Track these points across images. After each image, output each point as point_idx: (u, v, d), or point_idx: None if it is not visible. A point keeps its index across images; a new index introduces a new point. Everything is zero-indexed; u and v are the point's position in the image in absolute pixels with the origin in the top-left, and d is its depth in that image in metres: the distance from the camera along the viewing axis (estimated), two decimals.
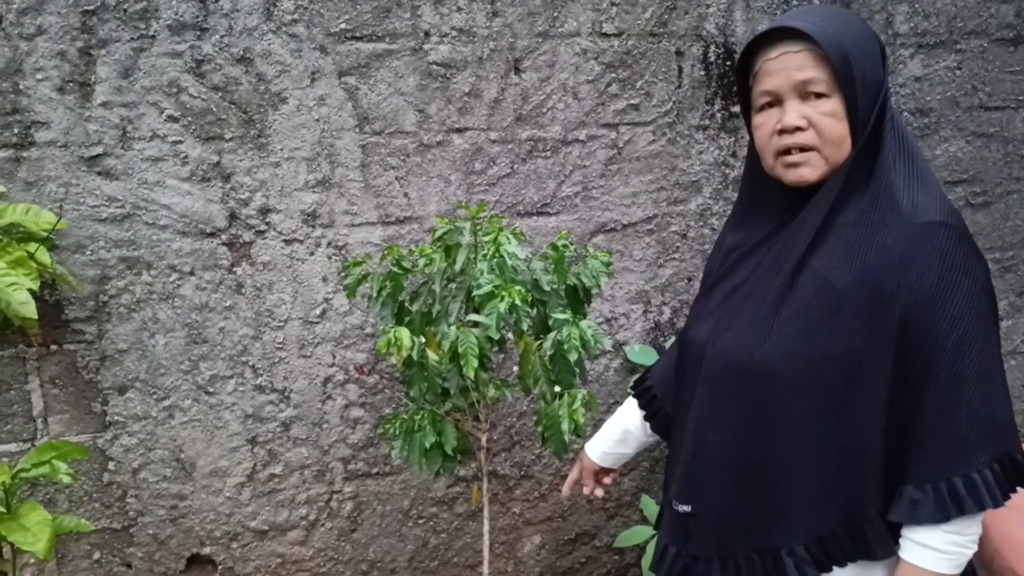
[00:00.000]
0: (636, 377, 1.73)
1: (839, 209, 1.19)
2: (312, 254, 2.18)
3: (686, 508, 1.31)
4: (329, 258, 2.20)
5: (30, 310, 1.64)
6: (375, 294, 1.86)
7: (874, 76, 1.17)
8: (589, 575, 2.61)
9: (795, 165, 1.20)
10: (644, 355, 2.43)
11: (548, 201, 2.33)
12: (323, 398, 2.25)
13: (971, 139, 2.59)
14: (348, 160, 2.16)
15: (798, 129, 1.18)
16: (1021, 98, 2.60)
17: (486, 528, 2.05)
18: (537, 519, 2.52)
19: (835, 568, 1.23)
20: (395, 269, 1.87)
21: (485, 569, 2.08)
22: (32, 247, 1.75)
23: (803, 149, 1.19)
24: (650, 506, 2.39)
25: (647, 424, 1.62)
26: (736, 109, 2.44)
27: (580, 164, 2.34)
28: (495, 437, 2.39)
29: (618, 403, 2.51)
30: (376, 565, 2.38)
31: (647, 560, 2.27)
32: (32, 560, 2.09)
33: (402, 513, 2.38)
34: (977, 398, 1.13)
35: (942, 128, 2.56)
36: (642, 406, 1.63)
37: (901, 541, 1.19)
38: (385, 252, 1.86)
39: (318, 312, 2.21)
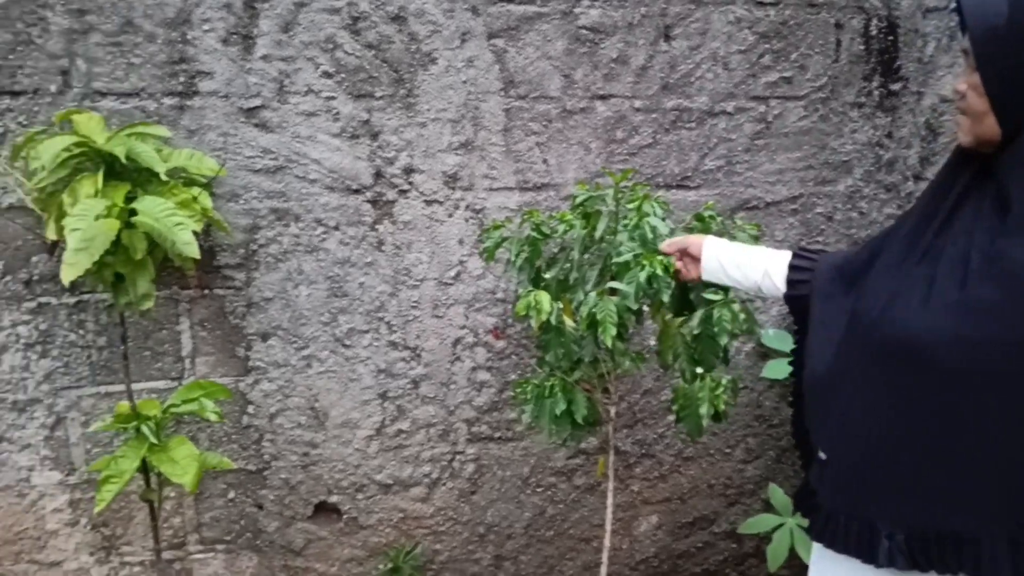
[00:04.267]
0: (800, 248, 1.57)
1: (1006, 183, 1.14)
2: (451, 216, 2.19)
3: (822, 456, 1.34)
4: (466, 221, 2.20)
5: (193, 250, 1.70)
6: (514, 258, 1.85)
7: None
8: (705, 560, 2.55)
9: (958, 124, 1.22)
10: (779, 340, 2.35)
11: (689, 174, 2.27)
12: (452, 359, 2.27)
13: None
14: (491, 124, 2.16)
15: (960, 94, 1.20)
16: None
17: (610, 500, 2.02)
18: (655, 499, 2.48)
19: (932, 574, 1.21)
20: (534, 234, 1.86)
21: (606, 541, 2.06)
22: (195, 191, 1.82)
23: (963, 113, 1.21)
24: (778, 495, 2.31)
25: (780, 285, 1.50)
26: (895, 87, 2.31)
27: (725, 137, 2.26)
28: (620, 412, 2.35)
29: (748, 388, 2.44)
30: (493, 529, 2.40)
31: (773, 550, 2.20)
32: (173, 493, 2.19)
33: (521, 480, 2.38)
34: None
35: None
36: (791, 278, 1.50)
37: None
38: (525, 216, 1.85)
39: (453, 274, 2.22)
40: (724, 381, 1.74)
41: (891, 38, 2.28)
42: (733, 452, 2.48)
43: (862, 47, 2.27)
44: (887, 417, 1.23)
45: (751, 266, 1.53)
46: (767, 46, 2.22)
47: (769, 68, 2.24)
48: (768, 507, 2.40)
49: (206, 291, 2.10)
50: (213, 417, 1.89)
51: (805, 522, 2.04)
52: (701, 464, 2.47)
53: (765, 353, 2.39)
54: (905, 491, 1.22)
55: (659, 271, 1.64)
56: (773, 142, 2.28)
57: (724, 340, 1.66)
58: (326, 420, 2.23)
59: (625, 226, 1.73)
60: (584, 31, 2.15)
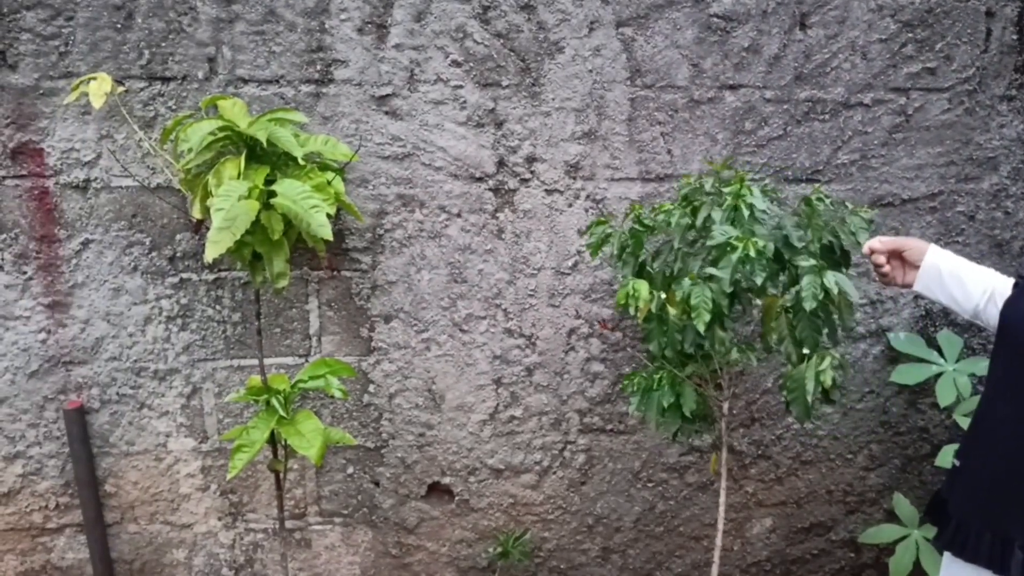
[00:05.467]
0: None
1: None
2: (571, 205, 2.19)
3: (956, 462, 1.34)
4: (586, 211, 2.20)
5: (327, 232, 1.76)
6: (617, 252, 1.84)
7: None
8: (820, 568, 2.47)
9: None
10: (911, 344, 2.24)
11: (821, 168, 2.19)
12: (566, 349, 2.27)
13: None
14: (616, 113, 2.14)
15: None
16: None
17: (722, 499, 1.98)
18: (770, 501, 2.41)
19: None
20: (636, 227, 1.84)
21: (718, 540, 2.02)
22: (329, 175, 1.88)
23: None
24: (903, 505, 2.21)
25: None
26: None
27: (861, 130, 2.17)
28: (735, 411, 2.30)
29: (874, 392, 2.34)
30: (602, 520, 2.39)
31: (896, 563, 2.11)
32: (296, 466, 2.28)
33: (632, 474, 2.36)
34: None
35: None
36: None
37: None
38: (628, 210, 1.84)
39: (570, 264, 2.22)
40: (828, 356, 1.67)
41: None
42: (855, 458, 2.39)
43: (1015, 37, 2.13)
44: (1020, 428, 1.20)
45: (975, 283, 1.40)
46: (910, 35, 2.12)
47: (911, 58, 2.13)
48: (891, 517, 2.30)
49: (335, 273, 2.17)
50: (338, 394, 1.96)
51: (932, 534, 1.96)
52: (820, 468, 2.39)
53: (894, 357, 2.29)
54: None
55: (752, 253, 1.59)
56: (913, 136, 2.18)
57: (811, 305, 1.58)
58: (442, 403, 2.27)
59: (722, 207, 1.69)
60: (715, 19, 2.10)
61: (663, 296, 1.76)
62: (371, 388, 2.25)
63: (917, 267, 1.45)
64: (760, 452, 2.37)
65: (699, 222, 1.74)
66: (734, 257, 1.61)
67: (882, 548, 2.37)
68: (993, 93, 2.16)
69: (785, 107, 2.15)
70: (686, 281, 1.68)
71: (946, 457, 2.07)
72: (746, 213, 1.66)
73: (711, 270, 1.66)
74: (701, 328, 1.65)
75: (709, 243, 1.67)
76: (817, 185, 1.84)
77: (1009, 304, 1.32)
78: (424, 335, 2.22)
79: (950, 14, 2.11)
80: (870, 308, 2.28)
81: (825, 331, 1.71)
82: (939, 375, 2.16)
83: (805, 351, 1.70)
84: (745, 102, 2.15)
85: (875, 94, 2.15)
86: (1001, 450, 1.23)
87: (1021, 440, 1.20)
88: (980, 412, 1.32)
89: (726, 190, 1.72)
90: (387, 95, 2.08)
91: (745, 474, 2.38)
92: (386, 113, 2.09)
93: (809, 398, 1.68)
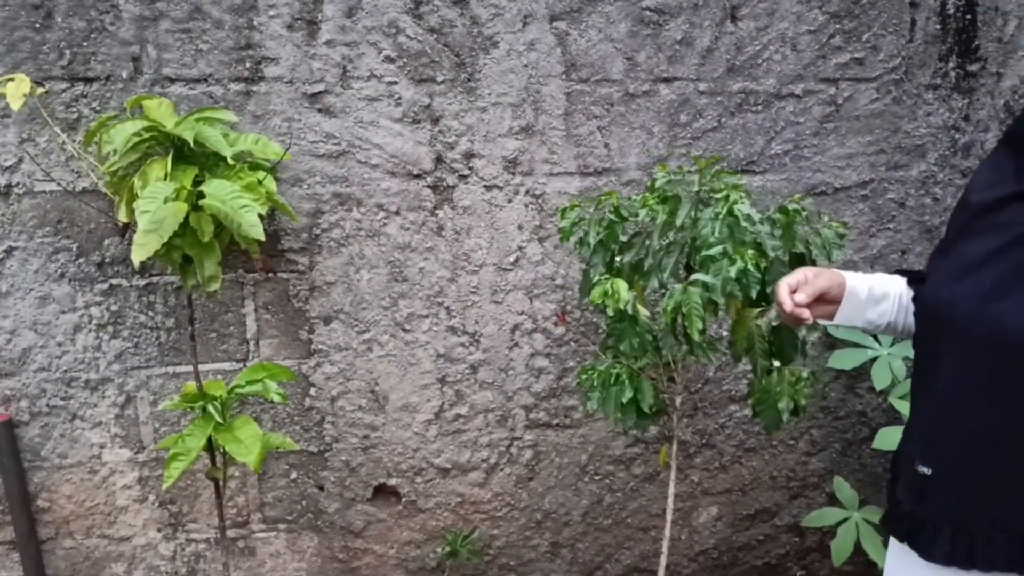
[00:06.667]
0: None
1: None
2: (510, 201, 2.18)
3: (925, 470, 1.25)
4: (526, 206, 2.19)
5: (258, 232, 1.72)
6: (590, 240, 1.82)
7: None
8: (766, 553, 2.51)
9: None
10: (846, 330, 2.28)
11: (755, 159, 2.22)
12: (511, 345, 2.26)
13: None
14: (552, 107, 2.14)
15: None
16: None
17: (671, 491, 1.99)
18: (715, 490, 2.44)
19: None
20: (612, 217, 1.81)
21: (667, 531, 2.03)
22: (260, 175, 1.84)
23: None
24: (844, 488, 2.25)
25: (911, 303, 1.37)
26: (973, 68, 2.22)
27: (793, 120, 2.20)
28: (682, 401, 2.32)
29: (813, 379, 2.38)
30: (550, 515, 2.39)
31: (838, 545, 2.15)
32: (237, 473, 2.23)
33: (579, 467, 2.37)
34: None
35: None
36: (911, 282, 1.39)
37: None
38: (603, 198, 1.82)
39: (512, 259, 2.21)
40: (804, 374, 1.69)
41: (969, 17, 2.19)
42: (797, 444, 2.43)
43: (938, 26, 2.19)
44: (995, 419, 1.16)
45: (888, 298, 1.36)
46: (838, 26, 2.15)
47: (840, 49, 2.17)
48: (833, 500, 2.34)
49: (270, 274, 2.13)
50: (277, 398, 1.92)
51: (872, 515, 1.98)
52: (763, 456, 2.42)
53: (831, 343, 2.33)
54: (1008, 492, 1.18)
55: (749, 265, 1.58)
56: (843, 125, 2.22)
57: (802, 331, 1.61)
58: (386, 404, 2.24)
59: (717, 215, 1.65)
60: (648, 12, 2.11)
61: (634, 294, 1.75)
62: (312, 391, 2.21)
63: (833, 301, 1.36)
64: (704, 441, 2.40)
65: (679, 221, 1.71)
66: (732, 270, 1.59)
67: (825, 531, 2.41)
68: (919, 82, 2.22)
69: (719, 99, 2.18)
70: (676, 287, 1.66)
71: (885, 440, 2.09)
72: (742, 221, 1.64)
73: (703, 276, 1.63)
74: (695, 336, 1.63)
75: (706, 252, 1.64)
76: (796, 196, 1.83)
77: (934, 303, 1.23)
78: (365, 336, 2.19)
79: (876, 4, 2.15)
80: None
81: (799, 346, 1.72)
82: (874, 359, 2.20)
83: (776, 364, 1.72)
84: (680, 95, 2.17)
85: (806, 85, 2.18)
86: (986, 446, 1.18)
87: (1005, 429, 1.16)
88: (938, 418, 1.23)
89: (717, 195, 1.69)
90: (320, 92, 2.04)
91: (690, 464, 2.40)
92: (319, 111, 2.05)
93: (784, 416, 1.70)
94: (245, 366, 2.17)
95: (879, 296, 1.36)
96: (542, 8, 2.07)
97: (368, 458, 2.27)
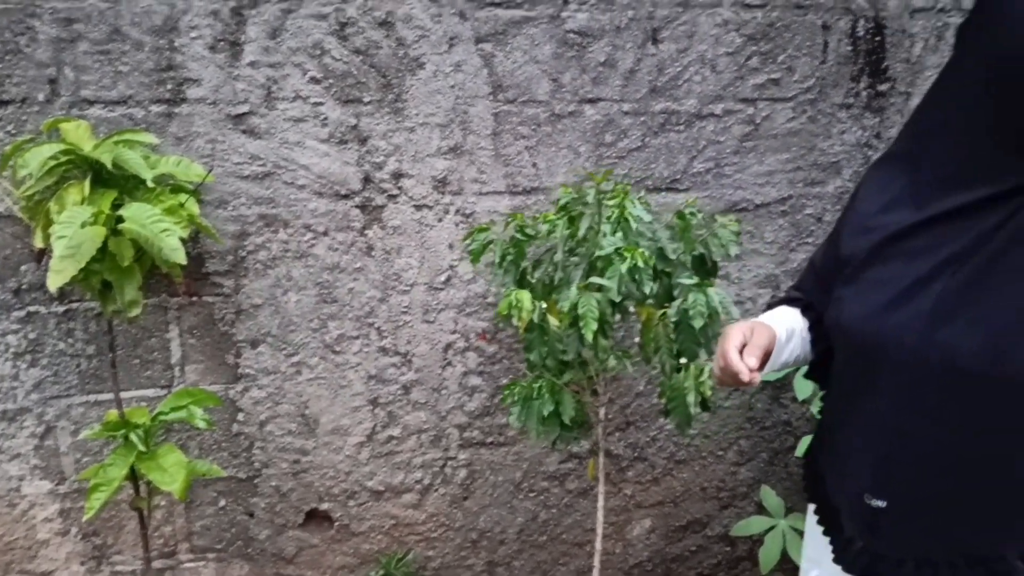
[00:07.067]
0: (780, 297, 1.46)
1: None
2: (440, 220, 2.19)
3: (879, 503, 1.21)
4: (456, 225, 2.20)
5: (180, 256, 1.70)
6: (498, 260, 1.86)
7: None
8: (699, 564, 2.55)
9: None
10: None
11: (679, 177, 2.27)
12: (443, 364, 2.27)
13: None
14: (480, 128, 2.16)
15: None
16: None
17: (601, 504, 2.02)
18: (648, 503, 2.47)
19: None
20: (518, 236, 1.86)
21: (598, 545, 2.05)
22: (182, 198, 1.82)
23: None
24: (770, 497, 2.31)
25: (808, 333, 1.36)
26: (883, 88, 2.32)
27: (714, 139, 2.26)
28: (611, 415, 2.35)
29: (740, 390, 2.44)
30: (485, 535, 2.39)
31: (765, 553, 2.20)
32: (164, 502, 2.18)
33: (514, 485, 2.37)
34: None
35: None
36: (804, 311, 1.38)
37: None
38: (509, 219, 1.86)
39: (443, 279, 2.22)
40: (707, 367, 1.73)
41: (878, 39, 2.29)
42: (726, 454, 2.48)
43: (849, 48, 2.28)
44: (948, 442, 1.14)
45: (785, 324, 1.33)
46: (754, 48, 2.23)
47: (757, 70, 2.24)
48: (761, 509, 2.40)
49: (195, 298, 2.09)
50: (202, 425, 1.89)
51: (799, 523, 2.02)
52: (694, 467, 2.47)
53: None
54: (963, 518, 1.16)
55: (640, 262, 1.64)
56: (762, 144, 2.29)
57: (699, 323, 1.64)
58: (316, 427, 2.22)
59: (609, 218, 1.73)
60: (572, 35, 2.15)
61: (544, 306, 1.78)
62: (240, 416, 2.18)
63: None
64: (636, 454, 2.43)
65: (581, 232, 1.77)
66: (623, 267, 1.64)
67: (754, 540, 2.46)
68: (833, 101, 2.30)
69: (642, 119, 2.23)
70: (573, 290, 1.70)
71: (807, 447, 2.13)
72: (634, 226, 1.69)
73: (598, 280, 1.68)
74: (589, 336, 1.67)
75: (598, 253, 1.69)
76: (691, 199, 1.90)
77: (866, 332, 1.20)
78: (294, 358, 2.17)
79: (790, 27, 2.24)
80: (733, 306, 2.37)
81: (703, 341, 1.76)
82: (796, 369, 2.27)
83: (682, 361, 1.75)
84: (604, 115, 2.21)
85: (725, 105, 2.25)
86: (941, 472, 1.16)
87: (958, 452, 1.14)
88: (886, 448, 1.20)
89: (610, 202, 1.75)
90: (244, 113, 2.02)
91: (623, 477, 2.43)
92: (244, 132, 2.03)
93: (692, 409, 1.74)
94: (170, 392, 2.13)
95: (788, 335, 1.33)
96: (467, 30, 2.09)
97: (299, 483, 2.24)
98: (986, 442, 1.12)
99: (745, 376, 1.18)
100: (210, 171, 1.91)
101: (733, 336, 1.23)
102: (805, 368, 1.51)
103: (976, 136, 1.10)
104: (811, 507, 1.41)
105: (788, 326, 1.34)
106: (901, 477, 1.19)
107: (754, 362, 1.20)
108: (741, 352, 1.22)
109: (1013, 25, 1.03)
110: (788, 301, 1.42)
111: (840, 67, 2.29)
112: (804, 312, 1.39)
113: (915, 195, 1.18)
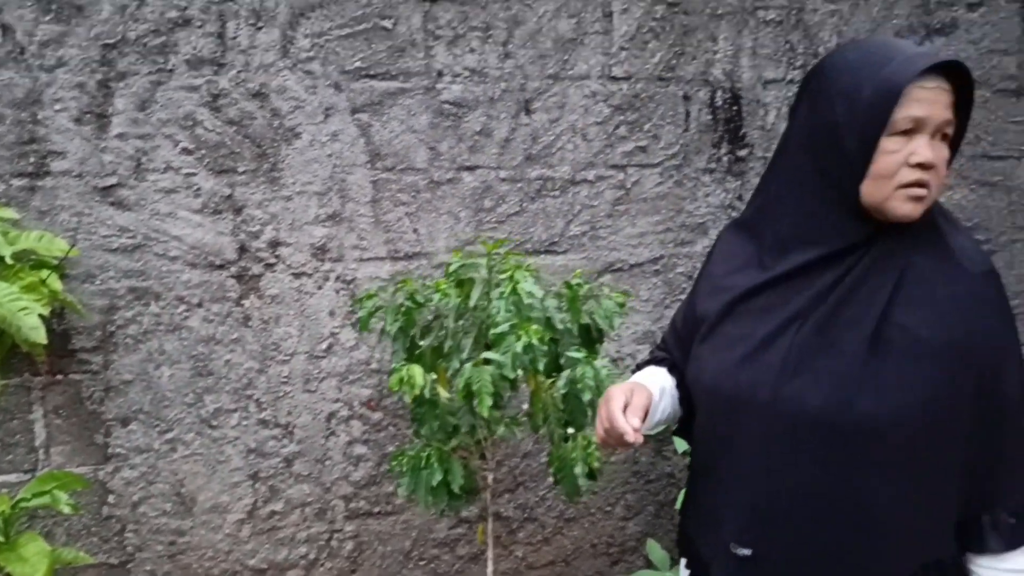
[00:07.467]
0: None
1: (909, 255, 1.18)
2: (320, 288, 2.18)
3: (745, 552, 1.24)
4: (337, 292, 2.20)
5: (40, 335, 1.63)
6: (388, 327, 1.85)
7: None
8: None
9: (919, 199, 1.15)
10: None
11: (556, 240, 2.35)
12: (326, 434, 2.23)
13: (975, 187, 2.62)
14: (359, 195, 2.18)
15: (931, 167, 1.14)
16: (1023, 148, 2.64)
17: (490, 569, 2.01)
18: (540, 563, 2.48)
19: None
20: (408, 303, 1.87)
21: None
22: (44, 274, 1.75)
23: (923, 186, 1.15)
24: (655, 551, 2.35)
25: (676, 391, 1.42)
26: (742, 153, 2.47)
27: (588, 204, 2.35)
28: (499, 477, 2.36)
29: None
30: None
31: None
32: None
33: (403, 555, 2.34)
34: None
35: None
36: (670, 370, 1.44)
37: (986, 573, 1.20)
38: (399, 285, 1.86)
39: (324, 347, 2.20)
40: (593, 438, 1.77)
41: (735, 108, 2.45)
42: (613, 510, 2.52)
43: (709, 117, 2.43)
44: (806, 490, 1.19)
45: (665, 392, 1.39)
46: (622, 118, 2.34)
47: (625, 138, 2.35)
48: (649, 563, 2.43)
49: (60, 377, 2.00)
50: (67, 510, 1.80)
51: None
52: (583, 524, 2.49)
53: None
54: (824, 563, 1.21)
55: (534, 340, 1.67)
56: (633, 207, 2.39)
57: (588, 397, 1.69)
58: (193, 506, 2.14)
59: (501, 294, 1.75)
60: (447, 105, 2.21)
61: (434, 377, 1.79)
62: (111, 499, 2.08)
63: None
64: (526, 515, 2.44)
65: (472, 302, 1.79)
66: (519, 346, 1.66)
67: None
68: (696, 167, 2.43)
69: (519, 185, 2.30)
70: (467, 366, 1.71)
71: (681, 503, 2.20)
72: (526, 300, 1.72)
73: (492, 355, 1.70)
74: (484, 412, 1.68)
75: (494, 331, 1.70)
76: (577, 271, 1.95)
77: (722, 389, 1.26)
78: (168, 435, 2.10)
79: (654, 98, 2.37)
80: (612, 365, 2.43)
81: (590, 412, 1.79)
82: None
83: (570, 431, 1.79)
84: (482, 182, 2.27)
85: (597, 171, 2.35)
86: (802, 518, 1.20)
87: (816, 497, 1.19)
88: (749, 499, 1.24)
89: (501, 275, 1.78)
90: (112, 185, 1.98)
91: (514, 539, 2.43)
92: (112, 204, 1.99)
93: (580, 481, 1.77)
94: (35, 476, 2.01)
95: (660, 394, 1.38)
96: (343, 101, 2.13)
97: (176, 565, 2.14)
98: (839, 488, 1.19)
99: (631, 436, 1.21)
100: (74, 245, 1.86)
101: (617, 398, 1.27)
102: (675, 425, 1.57)
103: (806, 203, 1.21)
104: (683, 561, 1.44)
105: (660, 385, 1.40)
106: (764, 525, 1.24)
107: (637, 422, 1.23)
108: (624, 413, 1.26)
109: (830, 98, 1.17)
110: (654, 360, 1.49)
111: (702, 134, 2.43)
112: (671, 371, 1.45)
113: (761, 258, 1.28)
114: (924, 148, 1.13)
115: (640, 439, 1.23)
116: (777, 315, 1.22)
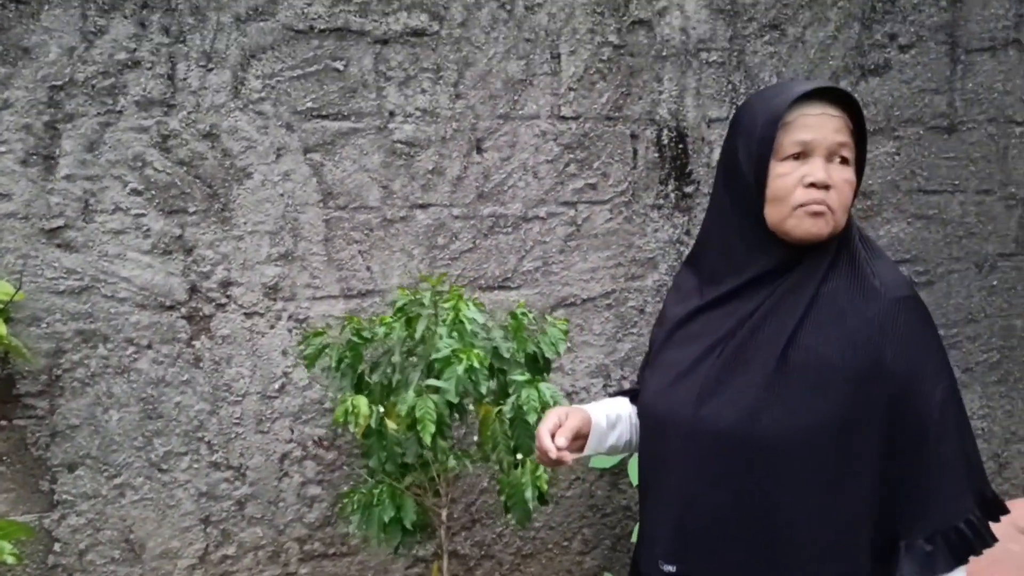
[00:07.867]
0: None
1: (823, 280, 1.24)
2: (272, 327, 2.17)
3: (670, 568, 1.28)
4: (290, 331, 2.19)
5: None
6: (334, 364, 1.86)
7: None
8: None
9: (818, 215, 1.22)
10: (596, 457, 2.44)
11: (509, 276, 2.37)
12: (280, 475, 2.21)
13: (912, 221, 2.72)
14: (311, 234, 2.18)
15: (826, 187, 1.21)
16: (956, 182, 2.75)
17: None
18: None
19: None
20: (354, 339, 1.88)
21: None
22: None
23: (828, 207, 1.22)
24: None
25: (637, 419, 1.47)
26: (689, 190, 2.53)
27: (540, 240, 2.39)
28: (455, 515, 2.35)
29: (579, 479, 2.50)
30: None
31: None
32: None
33: None
34: (961, 448, 1.22)
35: (884, 210, 2.68)
36: (632, 399, 1.49)
37: None
38: (345, 323, 1.87)
39: (277, 386, 2.19)
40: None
41: (681, 146, 2.51)
42: (571, 544, 2.52)
43: (656, 155, 2.49)
44: (728, 506, 1.23)
45: (613, 410, 1.44)
46: (572, 156, 2.39)
47: (575, 176, 2.40)
48: None
49: (3, 423, 1.96)
50: (11, 560, 1.74)
51: None
52: (540, 560, 2.49)
53: None
54: (778, 568, 1.23)
55: (475, 363, 1.70)
56: (584, 243, 2.43)
57: (533, 418, 1.71)
58: (143, 552, 2.09)
59: (443, 321, 1.78)
60: (399, 145, 2.24)
61: (382, 410, 1.79)
62: (56, 547, 2.02)
63: (581, 436, 1.40)
64: (483, 553, 2.43)
65: (418, 334, 1.81)
66: (460, 369, 1.68)
67: None
68: (645, 203, 2.49)
69: (472, 222, 2.32)
70: (410, 393, 1.72)
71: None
72: (468, 327, 1.75)
73: (435, 382, 1.71)
74: (427, 440, 1.69)
75: (435, 355, 1.72)
76: (520, 301, 1.98)
77: (653, 412, 1.32)
78: (116, 480, 2.05)
79: (602, 137, 2.42)
80: (566, 400, 2.46)
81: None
82: (629, 455, 2.36)
83: (519, 457, 1.80)
84: (435, 219, 2.29)
85: (548, 208, 2.39)
86: (724, 534, 1.24)
87: (740, 513, 1.23)
88: (678, 516, 1.28)
89: (445, 305, 1.80)
90: (59, 227, 1.96)
91: None
92: (58, 246, 1.96)
93: (530, 505, 1.77)
94: None
95: (614, 421, 1.44)
96: (295, 141, 2.14)
97: None
98: (755, 505, 1.24)
99: (553, 454, 1.28)
100: (19, 288, 1.83)
101: (548, 419, 1.35)
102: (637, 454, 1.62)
103: (728, 234, 1.31)
104: None
105: (615, 412, 1.45)
106: (688, 542, 1.28)
107: (563, 442, 1.29)
108: (555, 434, 1.32)
109: (735, 136, 1.28)
110: (623, 392, 1.56)
111: (650, 172, 2.49)
112: (633, 400, 1.51)
113: (699, 289, 1.36)
114: (817, 169, 1.21)
115: (566, 458, 1.30)
116: (706, 339, 1.30)
